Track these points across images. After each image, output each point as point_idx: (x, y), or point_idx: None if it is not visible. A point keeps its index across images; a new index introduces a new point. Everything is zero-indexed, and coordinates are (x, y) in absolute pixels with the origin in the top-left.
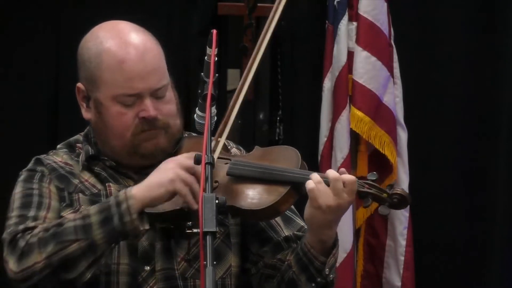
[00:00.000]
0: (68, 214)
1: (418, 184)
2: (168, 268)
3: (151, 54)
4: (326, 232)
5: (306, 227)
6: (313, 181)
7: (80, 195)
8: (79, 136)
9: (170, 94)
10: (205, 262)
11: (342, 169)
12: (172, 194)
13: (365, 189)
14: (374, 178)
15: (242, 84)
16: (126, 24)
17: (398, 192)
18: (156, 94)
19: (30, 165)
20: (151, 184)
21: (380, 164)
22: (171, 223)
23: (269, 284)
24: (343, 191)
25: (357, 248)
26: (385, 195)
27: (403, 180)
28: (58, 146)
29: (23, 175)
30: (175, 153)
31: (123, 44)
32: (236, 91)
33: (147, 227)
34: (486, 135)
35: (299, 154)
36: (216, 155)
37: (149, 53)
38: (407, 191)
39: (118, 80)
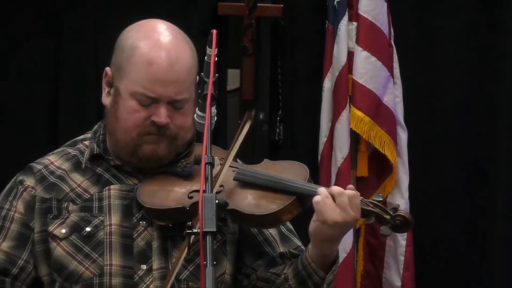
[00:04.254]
0: None
1: (418, 184)
2: (165, 267)
3: (182, 65)
4: (329, 246)
5: (302, 247)
6: (320, 195)
7: (70, 204)
8: (87, 135)
9: (190, 108)
10: (205, 262)
11: (350, 186)
12: None
13: (369, 208)
14: (379, 199)
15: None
16: (171, 29)
17: (401, 214)
18: (174, 104)
19: (17, 175)
20: None
21: (380, 164)
22: (171, 221)
23: None
24: (348, 206)
25: (357, 248)
26: (388, 216)
27: (403, 180)
28: (65, 144)
29: (8, 186)
30: (186, 155)
31: (157, 46)
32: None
33: None
34: (486, 135)
35: (307, 170)
36: (228, 163)
37: (180, 63)
38: (407, 191)
39: (141, 79)
